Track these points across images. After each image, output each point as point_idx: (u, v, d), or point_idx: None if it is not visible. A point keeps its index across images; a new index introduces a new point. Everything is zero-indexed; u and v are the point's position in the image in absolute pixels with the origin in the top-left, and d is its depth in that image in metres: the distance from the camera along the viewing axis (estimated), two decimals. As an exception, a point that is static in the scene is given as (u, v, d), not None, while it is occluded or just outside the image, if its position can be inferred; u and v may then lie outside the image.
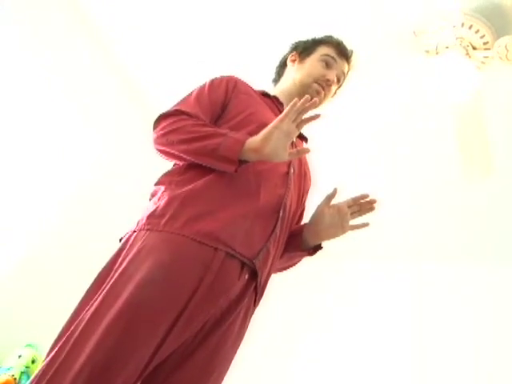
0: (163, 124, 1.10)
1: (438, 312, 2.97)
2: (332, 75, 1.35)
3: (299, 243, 1.25)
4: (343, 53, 1.40)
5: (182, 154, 1.07)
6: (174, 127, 1.08)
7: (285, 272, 1.34)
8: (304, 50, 1.42)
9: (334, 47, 1.39)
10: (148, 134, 1.19)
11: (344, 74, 1.41)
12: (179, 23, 2.30)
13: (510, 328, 2.75)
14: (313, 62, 1.37)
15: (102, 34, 2.46)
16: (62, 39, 2.30)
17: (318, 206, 1.22)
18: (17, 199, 2.09)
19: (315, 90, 1.32)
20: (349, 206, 1.20)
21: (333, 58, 1.37)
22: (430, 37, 1.96)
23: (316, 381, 2.95)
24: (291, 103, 1.00)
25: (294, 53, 1.45)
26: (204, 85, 1.24)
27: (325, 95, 1.35)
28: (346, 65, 1.41)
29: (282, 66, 1.48)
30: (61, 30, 2.30)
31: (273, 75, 1.50)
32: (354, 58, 1.43)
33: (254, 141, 1.01)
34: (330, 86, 1.36)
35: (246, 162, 1.04)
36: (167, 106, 1.17)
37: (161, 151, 1.12)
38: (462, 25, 1.88)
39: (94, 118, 2.50)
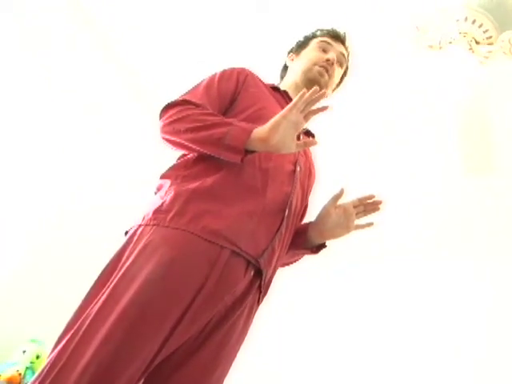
0: (170, 113, 1.09)
1: (441, 311, 2.97)
2: (331, 55, 1.37)
3: (303, 241, 1.25)
4: (337, 37, 1.42)
5: (187, 143, 1.06)
6: (180, 116, 1.07)
7: (288, 270, 1.35)
8: (299, 46, 1.46)
9: (326, 35, 1.42)
10: (148, 132, 1.18)
11: (344, 56, 1.43)
12: (181, 22, 2.29)
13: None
14: (310, 51, 1.40)
15: (103, 33, 2.45)
16: (63, 38, 2.30)
17: (325, 206, 1.22)
18: (19, 196, 2.10)
19: (317, 71, 1.33)
20: (354, 206, 1.21)
21: (328, 42, 1.40)
22: (433, 32, 1.94)
23: (319, 380, 2.96)
24: (300, 93, 0.99)
25: (290, 54, 1.49)
26: (214, 75, 1.23)
27: (329, 76, 1.36)
28: (342, 47, 1.43)
29: (284, 69, 1.51)
30: (62, 29, 2.29)
31: (274, 74, 1.52)
32: (349, 41, 1.45)
33: (261, 130, 1.00)
34: (332, 65, 1.36)
35: (252, 153, 1.02)
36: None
37: (167, 140, 1.10)
38: (466, 19, 1.87)
39: (94, 116, 2.50)
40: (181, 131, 1.06)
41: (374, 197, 1.21)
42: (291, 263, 1.34)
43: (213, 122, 1.04)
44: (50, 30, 2.22)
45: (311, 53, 1.39)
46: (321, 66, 1.34)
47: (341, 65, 1.41)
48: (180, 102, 1.11)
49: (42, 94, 2.20)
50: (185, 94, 1.17)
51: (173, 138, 1.08)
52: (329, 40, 1.40)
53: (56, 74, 2.26)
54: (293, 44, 1.51)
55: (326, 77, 1.34)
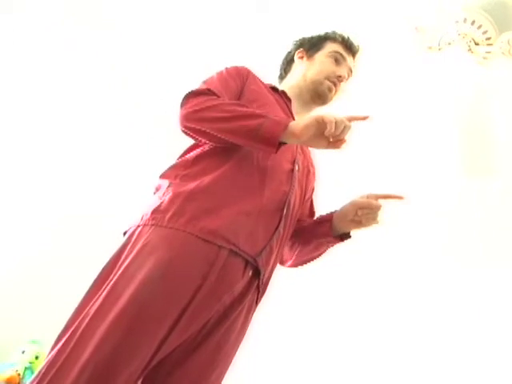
0: (195, 101, 1.06)
1: (439, 314, 2.97)
2: (343, 71, 1.36)
3: (328, 230, 1.24)
4: (350, 49, 1.40)
5: (214, 133, 1.04)
6: (208, 105, 1.04)
7: (286, 271, 1.34)
8: (311, 46, 1.41)
9: (341, 43, 1.39)
10: (147, 133, 1.18)
11: (351, 70, 1.41)
12: (181, 22, 2.29)
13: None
14: (322, 59, 1.36)
15: (103, 33, 2.45)
16: (63, 38, 2.30)
17: (354, 199, 1.22)
18: (19, 196, 2.10)
19: (327, 86, 1.32)
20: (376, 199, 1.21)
21: (341, 54, 1.37)
22: (432, 33, 1.95)
23: (319, 380, 2.96)
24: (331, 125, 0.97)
25: (301, 49, 1.43)
26: (222, 72, 1.21)
27: (335, 91, 1.36)
28: (352, 61, 1.40)
29: (289, 62, 1.47)
30: (62, 29, 2.29)
31: (277, 72, 1.50)
32: (359, 53, 1.43)
33: (295, 126, 0.99)
34: (341, 81, 1.36)
35: (284, 145, 1.01)
36: (167, 105, 1.15)
37: (190, 128, 1.07)
38: (465, 20, 1.87)
39: (94, 116, 2.50)
40: (209, 120, 1.04)
41: (401, 197, 1.27)
42: (315, 258, 1.31)
43: (245, 112, 1.03)
44: (49, 30, 2.22)
45: (323, 63, 1.35)
46: (331, 81, 1.33)
47: (347, 80, 1.40)
48: (204, 91, 1.09)
49: (41, 94, 2.20)
50: (205, 84, 1.14)
51: (198, 127, 1.06)
52: (342, 51, 1.37)
53: (56, 74, 2.27)
54: (299, 37, 1.47)
55: (333, 92, 1.35)
